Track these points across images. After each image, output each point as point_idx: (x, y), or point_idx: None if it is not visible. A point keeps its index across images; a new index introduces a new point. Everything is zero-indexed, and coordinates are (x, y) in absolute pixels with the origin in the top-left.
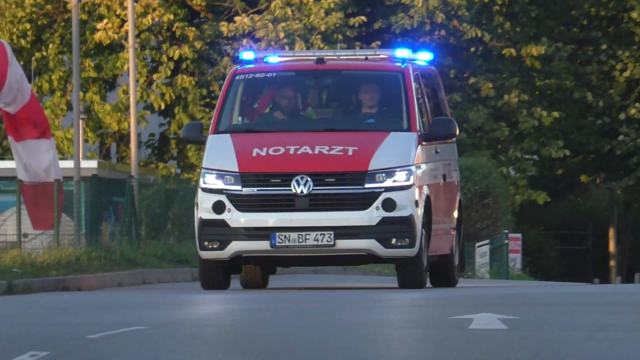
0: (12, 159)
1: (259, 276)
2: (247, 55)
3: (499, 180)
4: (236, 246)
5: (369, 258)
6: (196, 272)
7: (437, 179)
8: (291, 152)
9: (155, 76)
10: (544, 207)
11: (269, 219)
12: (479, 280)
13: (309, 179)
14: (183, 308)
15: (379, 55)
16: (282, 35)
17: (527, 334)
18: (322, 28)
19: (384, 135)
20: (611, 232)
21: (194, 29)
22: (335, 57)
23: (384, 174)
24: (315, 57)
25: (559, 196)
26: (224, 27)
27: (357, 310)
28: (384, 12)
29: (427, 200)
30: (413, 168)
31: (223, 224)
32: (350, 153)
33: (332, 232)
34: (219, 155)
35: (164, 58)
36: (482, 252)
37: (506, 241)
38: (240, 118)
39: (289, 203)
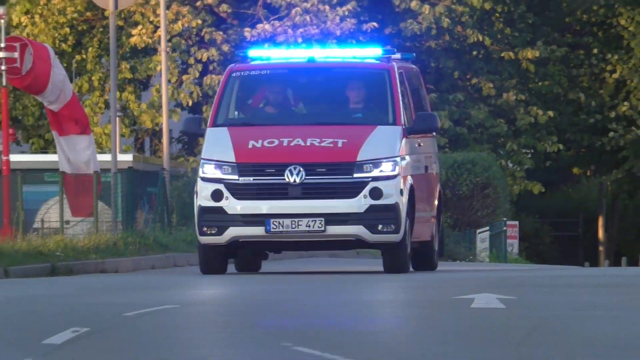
0: (55, 152)
1: (252, 261)
2: (243, 53)
3: (498, 172)
4: (233, 232)
5: (357, 243)
6: None
7: (420, 169)
8: (284, 144)
9: (184, 77)
10: (539, 197)
11: (264, 206)
12: (480, 264)
13: (301, 169)
14: (210, 288)
15: (366, 54)
16: (300, 40)
17: (524, 312)
18: (338, 33)
19: (371, 129)
20: (600, 221)
21: (221, 33)
22: (326, 56)
23: (371, 165)
24: (306, 56)
25: (553, 187)
26: (247, 32)
27: (365, 291)
28: (394, 18)
29: (411, 189)
30: (398, 159)
31: (221, 211)
32: (339, 145)
33: (322, 219)
34: (217, 147)
35: (193, 60)
36: (482, 237)
37: (504, 228)
38: (236, 112)
39: (282, 191)
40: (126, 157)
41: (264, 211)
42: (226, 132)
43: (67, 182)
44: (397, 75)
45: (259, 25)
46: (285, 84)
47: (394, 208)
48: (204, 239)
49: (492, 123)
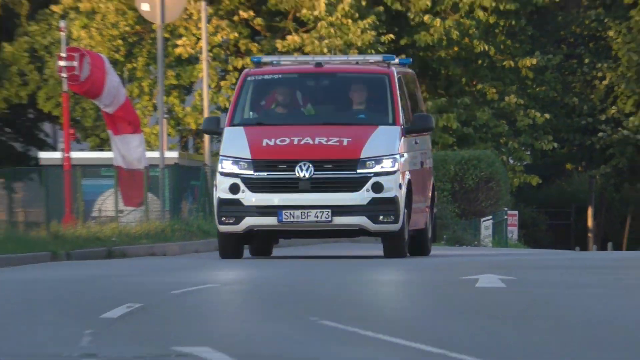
0: (110, 150)
1: (265, 247)
2: (256, 59)
3: (500, 167)
4: (249, 221)
5: (360, 232)
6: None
7: (416, 165)
8: (295, 142)
9: (223, 83)
10: (536, 190)
11: (277, 199)
12: (484, 248)
13: (310, 165)
14: (246, 269)
15: (368, 60)
16: (325, 50)
17: (522, 290)
18: (359, 44)
19: (372, 129)
20: (589, 211)
21: (255, 44)
22: (331, 62)
23: (373, 161)
24: (314, 62)
25: (548, 181)
26: (278, 43)
27: (380, 271)
28: (409, 30)
29: (409, 183)
30: (397, 156)
31: (238, 202)
32: (345, 143)
33: (329, 210)
34: (234, 145)
35: (231, 68)
36: (486, 225)
37: (506, 217)
38: (251, 113)
39: (293, 185)
40: (172, 155)
41: (277, 203)
42: (242, 131)
43: (120, 175)
44: (396, 80)
45: (289, 37)
46: (295, 87)
47: (393, 201)
48: (223, 228)
49: (495, 124)
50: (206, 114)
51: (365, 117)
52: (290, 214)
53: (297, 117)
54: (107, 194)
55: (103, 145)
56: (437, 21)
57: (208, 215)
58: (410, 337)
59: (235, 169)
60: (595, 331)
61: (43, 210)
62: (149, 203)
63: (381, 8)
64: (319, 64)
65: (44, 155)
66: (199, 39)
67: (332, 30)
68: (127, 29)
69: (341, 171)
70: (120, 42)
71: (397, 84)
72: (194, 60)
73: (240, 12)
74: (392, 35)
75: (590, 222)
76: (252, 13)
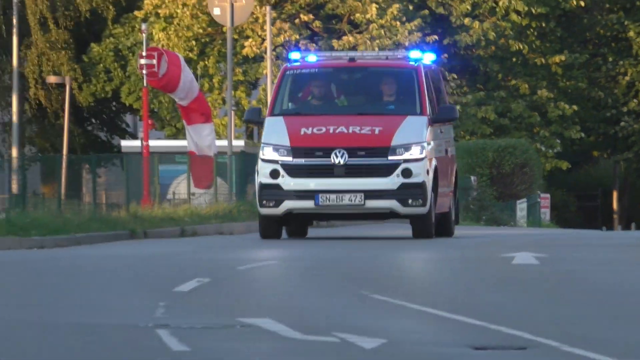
0: (183, 138)
1: (301, 228)
2: (294, 55)
3: (533, 154)
4: (288, 204)
5: (390, 215)
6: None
7: (441, 152)
8: (331, 131)
9: None
10: (566, 174)
11: (313, 183)
12: (520, 228)
13: (345, 152)
14: (301, 248)
15: (397, 55)
16: (377, 49)
17: (554, 267)
18: (406, 44)
19: (402, 118)
20: (614, 194)
21: (314, 44)
22: (363, 57)
23: (402, 149)
24: (347, 57)
25: (577, 167)
26: (335, 43)
27: (423, 249)
28: (451, 31)
29: (435, 169)
30: (425, 144)
31: (278, 187)
32: (376, 132)
33: (362, 194)
34: (274, 133)
35: None
36: (521, 207)
37: (539, 200)
38: (289, 104)
39: (329, 171)
40: (239, 143)
41: (313, 187)
42: (282, 121)
43: (192, 160)
44: (423, 74)
45: (344, 37)
46: (330, 80)
47: (421, 185)
48: (264, 211)
49: (528, 114)
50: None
51: (395, 107)
52: (326, 197)
53: (332, 107)
54: (180, 178)
55: (178, 134)
56: (476, 23)
57: None
58: (453, 310)
59: (275, 156)
60: (624, 302)
61: (123, 193)
62: (218, 186)
63: (426, 11)
64: (352, 59)
65: (125, 143)
66: (263, 39)
67: (382, 31)
68: (200, 30)
69: (373, 158)
70: (193, 42)
71: (424, 78)
72: (259, 58)
73: (301, 16)
74: (435, 36)
75: (615, 204)
76: (311, 16)
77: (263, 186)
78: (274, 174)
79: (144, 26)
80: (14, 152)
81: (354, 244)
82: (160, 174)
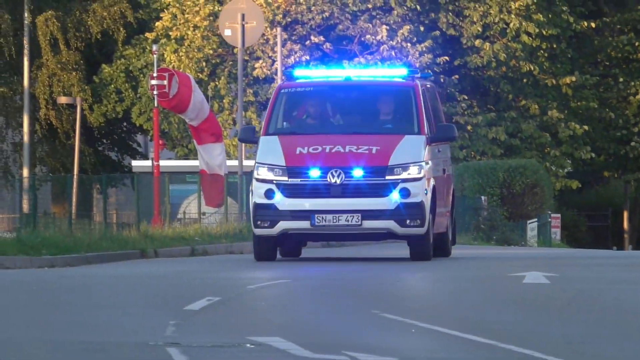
0: (194, 159)
1: (296, 249)
2: (289, 73)
3: (544, 175)
4: (283, 225)
5: (388, 235)
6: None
7: (439, 172)
8: (327, 150)
9: None
10: (577, 194)
11: (309, 204)
12: (530, 248)
13: (341, 171)
14: (312, 267)
15: (394, 74)
16: None
17: (565, 286)
18: (417, 65)
19: (399, 138)
20: (625, 214)
21: (324, 66)
22: (360, 75)
23: (400, 168)
24: (343, 75)
25: (587, 186)
26: (345, 64)
27: (428, 270)
28: (461, 53)
29: (433, 189)
30: (423, 164)
31: (273, 207)
32: (374, 151)
33: (359, 214)
34: (269, 153)
35: None
36: (532, 227)
37: (549, 219)
38: (285, 123)
39: (325, 191)
40: (249, 163)
41: (310, 207)
42: (277, 140)
43: (203, 178)
44: (420, 92)
45: (355, 59)
46: (326, 99)
47: (420, 206)
48: (258, 231)
49: (539, 135)
50: None
51: (392, 126)
52: (323, 217)
53: (328, 126)
54: (191, 198)
55: (189, 154)
56: (487, 45)
57: None
58: (464, 329)
59: (270, 175)
60: (635, 322)
61: (134, 212)
62: (228, 206)
63: (437, 33)
64: (348, 78)
65: (136, 163)
66: (274, 61)
67: (392, 53)
68: (211, 52)
69: (370, 177)
70: (204, 63)
71: (421, 96)
72: (270, 79)
73: (312, 37)
74: (446, 57)
75: (626, 224)
76: (322, 38)
77: (258, 206)
78: (269, 194)
79: (155, 47)
80: (25, 172)
81: (356, 264)
82: (171, 194)
